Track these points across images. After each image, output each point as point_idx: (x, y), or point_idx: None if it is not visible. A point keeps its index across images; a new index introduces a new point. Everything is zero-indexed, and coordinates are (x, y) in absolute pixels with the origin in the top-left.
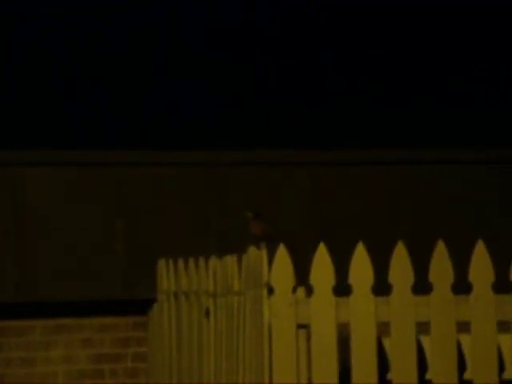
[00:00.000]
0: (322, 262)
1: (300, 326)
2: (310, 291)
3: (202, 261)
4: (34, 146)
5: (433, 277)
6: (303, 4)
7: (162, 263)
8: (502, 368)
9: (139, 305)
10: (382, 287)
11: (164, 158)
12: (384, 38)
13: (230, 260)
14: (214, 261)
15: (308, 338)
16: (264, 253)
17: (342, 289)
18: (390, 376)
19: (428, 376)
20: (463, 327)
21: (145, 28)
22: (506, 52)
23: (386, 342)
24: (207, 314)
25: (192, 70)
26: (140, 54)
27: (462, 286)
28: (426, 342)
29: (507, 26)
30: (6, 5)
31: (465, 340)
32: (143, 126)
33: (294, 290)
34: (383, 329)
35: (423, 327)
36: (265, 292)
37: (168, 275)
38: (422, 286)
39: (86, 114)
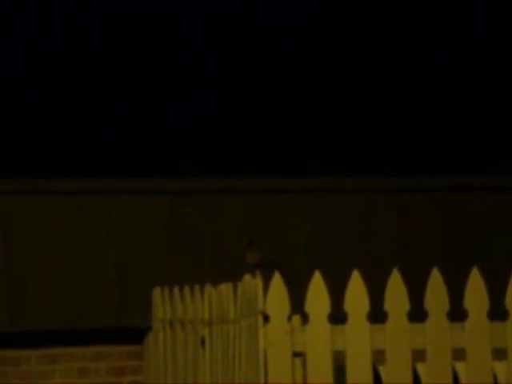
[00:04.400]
0: (317, 290)
1: (296, 354)
2: (305, 319)
3: (197, 289)
4: (21, 174)
5: (428, 304)
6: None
7: (157, 291)
8: None
9: (134, 333)
10: (377, 315)
11: (155, 186)
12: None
13: (226, 288)
14: (209, 289)
15: (304, 366)
16: (259, 281)
17: (338, 316)
18: None
19: None
20: (459, 354)
21: None
22: None
23: (382, 370)
24: (203, 342)
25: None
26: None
27: (456, 313)
28: (421, 369)
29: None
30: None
31: (460, 367)
32: (133, 153)
33: (290, 317)
34: (379, 356)
35: (419, 355)
36: (260, 320)
37: (163, 303)
38: (417, 314)
39: (75, 142)
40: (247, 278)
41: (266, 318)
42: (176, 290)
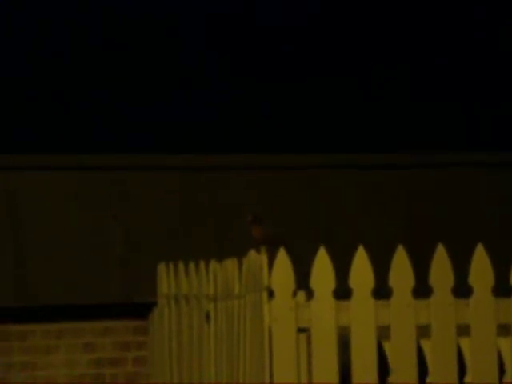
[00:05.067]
0: (322, 266)
1: (300, 330)
2: (310, 295)
3: (202, 264)
4: (29, 150)
5: (433, 280)
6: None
7: (162, 267)
8: (501, 371)
9: (139, 309)
10: (382, 290)
11: (162, 161)
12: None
13: (231, 263)
14: (214, 264)
15: (308, 342)
16: (264, 256)
17: (343, 292)
18: (390, 379)
19: (428, 379)
20: (463, 331)
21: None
22: None
23: (387, 346)
24: (207, 317)
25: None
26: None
27: (462, 290)
28: (426, 345)
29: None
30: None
31: (465, 343)
32: (143, 129)
33: (295, 293)
34: (384, 332)
35: (424, 331)
36: (265, 296)
37: (168, 279)
38: (422, 290)
39: (84, 118)
40: (252, 253)
41: (271, 294)
42: (181, 265)
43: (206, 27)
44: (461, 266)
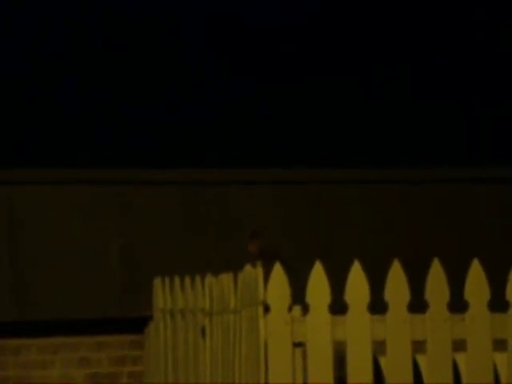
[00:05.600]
0: (318, 281)
1: (296, 345)
2: (306, 309)
3: (198, 279)
4: (30, 164)
5: (428, 295)
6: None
7: (157, 281)
8: None
9: (135, 323)
10: (378, 305)
11: (162, 176)
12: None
13: (226, 278)
14: (210, 279)
15: (304, 357)
16: (260, 271)
17: (338, 307)
18: None
19: None
20: (459, 346)
21: None
22: None
23: (383, 361)
24: (203, 332)
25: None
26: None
27: (457, 305)
28: (421, 360)
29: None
30: None
31: (460, 359)
32: (143, 144)
33: (290, 308)
34: (379, 347)
35: (419, 346)
36: (261, 310)
37: (164, 293)
38: (418, 305)
39: (85, 131)
40: (248, 267)
41: (267, 308)
42: (177, 279)
43: (206, 32)
44: (460, 281)
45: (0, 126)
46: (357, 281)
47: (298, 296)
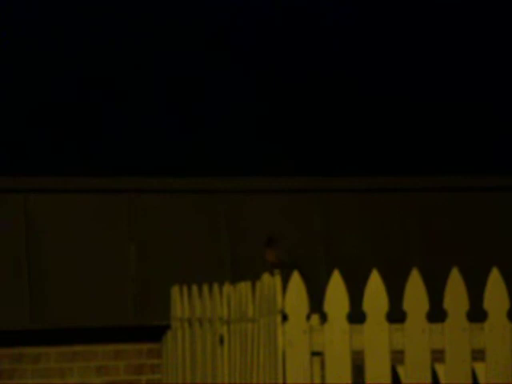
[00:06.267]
0: (336, 290)
1: (314, 354)
2: (324, 318)
3: (216, 287)
4: (46, 172)
5: (448, 304)
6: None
7: (175, 290)
8: None
9: (153, 332)
10: (397, 315)
11: (177, 184)
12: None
13: (244, 287)
14: (228, 287)
15: (322, 366)
16: (278, 280)
17: (357, 316)
18: None
19: None
20: (478, 355)
21: None
22: None
23: (401, 370)
24: (221, 340)
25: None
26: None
27: (477, 314)
28: (440, 370)
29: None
30: None
31: (480, 368)
32: (157, 153)
33: (308, 317)
34: (398, 357)
35: (437, 355)
36: (279, 319)
37: (182, 302)
38: (436, 314)
39: (100, 142)
40: (266, 276)
41: (285, 317)
42: (195, 288)
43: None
44: (479, 290)
45: (15, 134)
46: (375, 290)
47: (316, 305)
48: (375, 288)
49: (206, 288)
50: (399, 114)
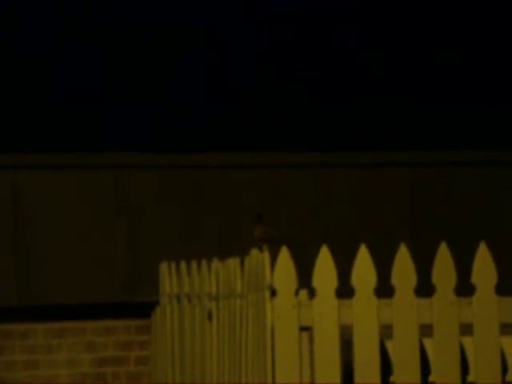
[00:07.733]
0: (324, 265)
1: (303, 329)
2: (312, 294)
3: (204, 263)
4: (33, 149)
5: (435, 279)
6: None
7: (164, 266)
8: (504, 370)
9: (142, 308)
10: (384, 289)
11: (165, 160)
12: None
13: (233, 262)
14: (216, 263)
15: (311, 341)
16: (266, 255)
17: (345, 291)
18: (392, 379)
19: (431, 379)
20: (466, 329)
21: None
22: None
23: (389, 345)
24: (210, 316)
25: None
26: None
27: (464, 288)
28: (428, 344)
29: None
30: None
31: (467, 342)
32: (146, 127)
33: (297, 292)
34: (386, 331)
35: (426, 330)
36: (267, 294)
37: (170, 278)
38: (424, 289)
39: (88, 117)
40: (254, 252)
41: (274, 293)
42: (183, 264)
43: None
44: (466, 265)
45: (2, 111)
46: (363, 265)
47: (305, 280)
48: (363, 263)
49: (194, 264)
50: (388, 88)
